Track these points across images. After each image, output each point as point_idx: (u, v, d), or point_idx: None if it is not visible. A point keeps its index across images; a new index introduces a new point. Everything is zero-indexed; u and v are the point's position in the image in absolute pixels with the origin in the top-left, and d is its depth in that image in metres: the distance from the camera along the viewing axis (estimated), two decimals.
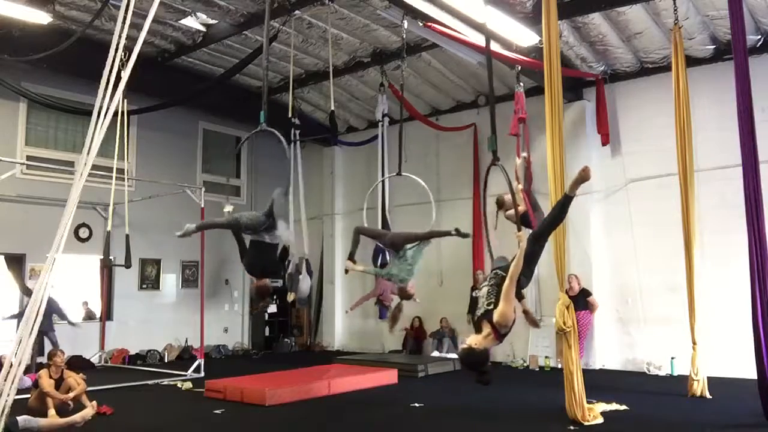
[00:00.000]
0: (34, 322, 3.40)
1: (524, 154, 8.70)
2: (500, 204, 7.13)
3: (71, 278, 11.51)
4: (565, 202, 4.92)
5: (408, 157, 8.81)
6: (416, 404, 7.24)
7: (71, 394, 6.73)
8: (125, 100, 9.48)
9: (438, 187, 11.90)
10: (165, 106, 11.06)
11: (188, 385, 8.76)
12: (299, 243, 10.35)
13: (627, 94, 10.51)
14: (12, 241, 10.44)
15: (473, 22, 7.80)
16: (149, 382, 9.01)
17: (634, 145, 10.35)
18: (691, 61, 9.07)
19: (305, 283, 10.52)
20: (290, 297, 10.26)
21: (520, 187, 7.21)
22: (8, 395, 3.41)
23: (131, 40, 3.98)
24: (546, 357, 10.33)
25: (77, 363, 9.96)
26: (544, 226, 5.16)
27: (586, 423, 5.95)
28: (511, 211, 7.04)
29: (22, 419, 5.41)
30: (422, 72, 11.46)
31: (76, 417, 5.94)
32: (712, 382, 7.48)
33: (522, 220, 7.36)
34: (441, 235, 7.13)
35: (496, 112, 5.68)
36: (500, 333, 4.44)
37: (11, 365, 3.40)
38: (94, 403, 6.24)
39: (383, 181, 9.70)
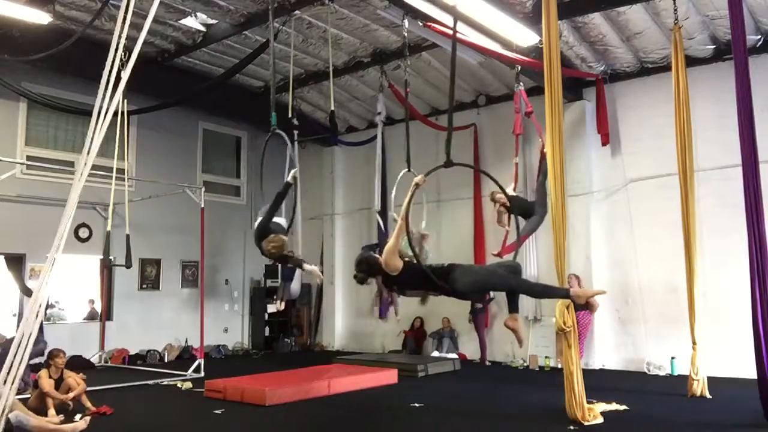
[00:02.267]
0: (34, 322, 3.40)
1: (516, 160, 8.79)
2: (493, 200, 7.99)
3: (72, 278, 11.54)
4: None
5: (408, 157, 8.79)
6: (416, 404, 7.24)
7: (71, 394, 6.74)
8: (125, 100, 9.48)
9: (438, 187, 11.90)
10: (165, 106, 11.07)
11: (188, 385, 8.76)
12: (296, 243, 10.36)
13: (627, 94, 10.51)
14: (12, 241, 10.44)
15: (473, 22, 7.81)
16: (149, 382, 9.00)
17: (634, 145, 10.34)
18: (691, 61, 9.07)
19: (297, 283, 10.46)
20: (280, 305, 10.29)
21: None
22: (8, 395, 3.41)
23: (131, 40, 3.99)
24: (546, 357, 10.32)
25: (77, 363, 9.96)
26: (520, 286, 5.51)
27: (586, 423, 5.94)
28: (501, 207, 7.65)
29: (13, 415, 5.39)
30: (422, 72, 11.45)
31: (66, 428, 5.92)
32: (712, 382, 7.47)
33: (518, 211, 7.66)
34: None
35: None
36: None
37: (11, 365, 3.40)
38: (87, 418, 6.21)
39: (385, 182, 9.67)
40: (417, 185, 5.33)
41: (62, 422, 6.13)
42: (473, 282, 5.22)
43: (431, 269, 5.21)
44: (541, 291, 5.91)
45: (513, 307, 5.48)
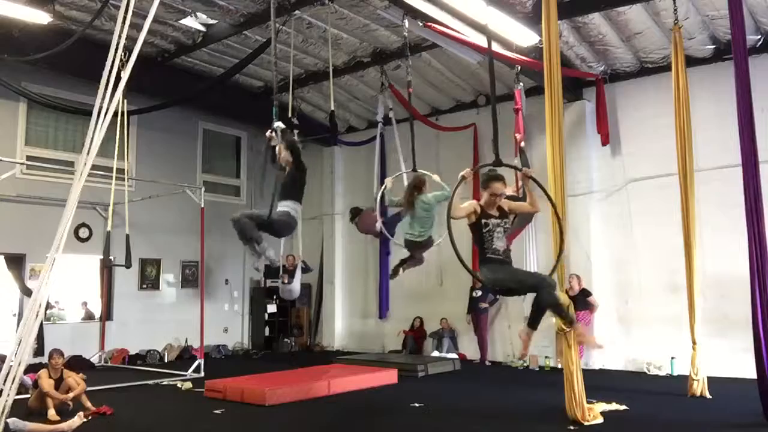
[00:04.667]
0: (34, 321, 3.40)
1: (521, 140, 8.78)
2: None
3: (72, 278, 11.54)
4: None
5: (408, 157, 8.80)
6: (416, 404, 7.24)
7: (71, 394, 6.74)
8: (125, 100, 9.47)
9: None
10: (165, 106, 11.06)
11: (188, 385, 8.76)
12: (296, 245, 10.38)
13: (627, 94, 10.50)
14: (12, 241, 10.44)
15: (473, 22, 7.80)
16: (149, 382, 9.00)
17: (634, 145, 10.34)
18: (691, 61, 9.07)
19: (297, 283, 10.45)
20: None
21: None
22: (8, 395, 3.41)
23: (131, 40, 3.99)
24: (546, 357, 10.32)
25: (77, 363, 9.96)
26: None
27: (586, 423, 5.95)
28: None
29: (11, 421, 5.40)
30: (422, 72, 11.45)
31: (63, 426, 5.92)
32: (712, 382, 7.48)
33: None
34: None
35: (497, 112, 5.69)
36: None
37: (11, 365, 3.40)
38: (81, 413, 6.21)
39: (384, 181, 9.66)
40: (464, 177, 5.48)
41: (59, 422, 6.14)
42: (498, 280, 5.20)
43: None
44: (547, 301, 5.36)
45: (532, 322, 5.37)
